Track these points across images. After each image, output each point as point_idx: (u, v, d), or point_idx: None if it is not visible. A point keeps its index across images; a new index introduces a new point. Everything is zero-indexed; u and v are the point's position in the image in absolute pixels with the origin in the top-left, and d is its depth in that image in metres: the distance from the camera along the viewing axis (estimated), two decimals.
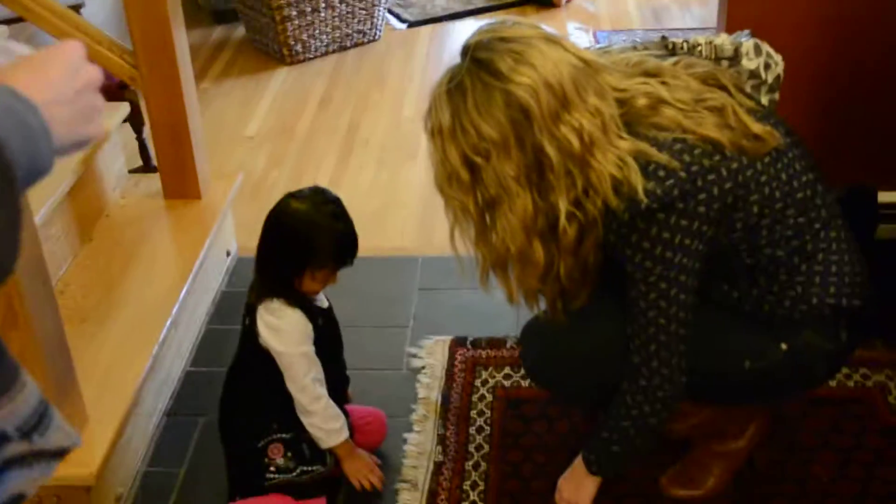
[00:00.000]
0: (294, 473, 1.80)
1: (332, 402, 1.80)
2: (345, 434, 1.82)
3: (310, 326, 1.77)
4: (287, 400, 1.78)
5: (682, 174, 1.45)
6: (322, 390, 1.79)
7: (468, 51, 1.46)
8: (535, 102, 1.41)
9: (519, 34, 1.44)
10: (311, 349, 1.77)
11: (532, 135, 1.42)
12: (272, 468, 1.79)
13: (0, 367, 0.81)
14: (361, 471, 1.85)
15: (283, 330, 1.75)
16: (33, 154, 0.74)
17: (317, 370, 1.78)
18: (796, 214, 1.55)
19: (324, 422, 1.79)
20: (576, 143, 1.42)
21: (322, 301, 1.85)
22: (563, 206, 1.46)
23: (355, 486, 1.85)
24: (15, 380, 0.82)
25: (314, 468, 1.81)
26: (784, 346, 1.62)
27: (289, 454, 1.79)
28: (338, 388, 1.89)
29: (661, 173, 1.44)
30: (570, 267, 1.54)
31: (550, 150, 1.42)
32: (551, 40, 1.45)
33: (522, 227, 1.48)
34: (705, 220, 1.48)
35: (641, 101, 1.49)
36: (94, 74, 0.83)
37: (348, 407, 1.97)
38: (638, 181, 1.44)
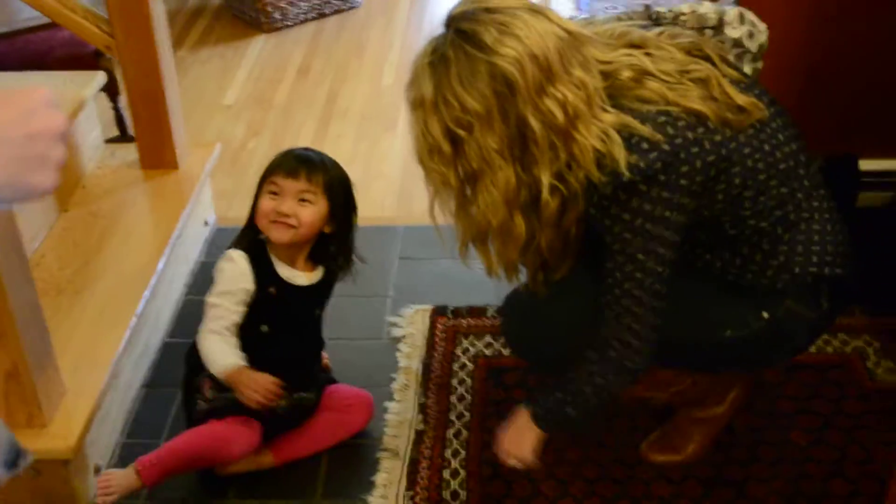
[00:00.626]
0: (214, 400, 1.83)
1: (215, 348, 1.78)
2: (221, 365, 1.76)
3: (244, 283, 1.79)
4: None
5: (666, 147, 1.44)
6: (210, 339, 1.79)
7: (451, 21, 1.44)
8: (520, 75, 1.39)
9: (503, 4, 1.42)
10: (225, 303, 1.79)
11: (516, 108, 1.41)
12: (200, 400, 1.84)
13: None
14: (247, 394, 1.75)
15: (217, 275, 1.82)
16: None
17: (221, 324, 1.79)
18: (779, 185, 1.55)
19: (208, 362, 1.79)
20: (560, 116, 1.41)
21: (295, 277, 1.83)
22: (545, 179, 1.45)
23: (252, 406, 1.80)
24: None
25: (230, 393, 1.80)
26: (766, 315, 1.62)
27: (213, 385, 1.83)
28: (296, 367, 1.88)
29: (645, 146, 1.43)
30: (551, 240, 1.53)
31: (534, 123, 1.41)
32: (536, 11, 1.43)
33: (504, 200, 1.46)
34: (687, 193, 1.47)
35: (626, 74, 1.48)
36: (54, 123, 0.77)
37: (335, 387, 1.97)
38: (621, 155, 1.42)
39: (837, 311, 1.71)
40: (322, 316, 1.94)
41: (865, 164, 2.45)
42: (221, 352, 1.78)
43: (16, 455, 0.90)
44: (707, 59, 1.54)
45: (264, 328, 1.83)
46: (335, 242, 1.86)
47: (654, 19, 1.67)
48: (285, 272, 1.83)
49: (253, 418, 1.82)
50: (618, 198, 1.46)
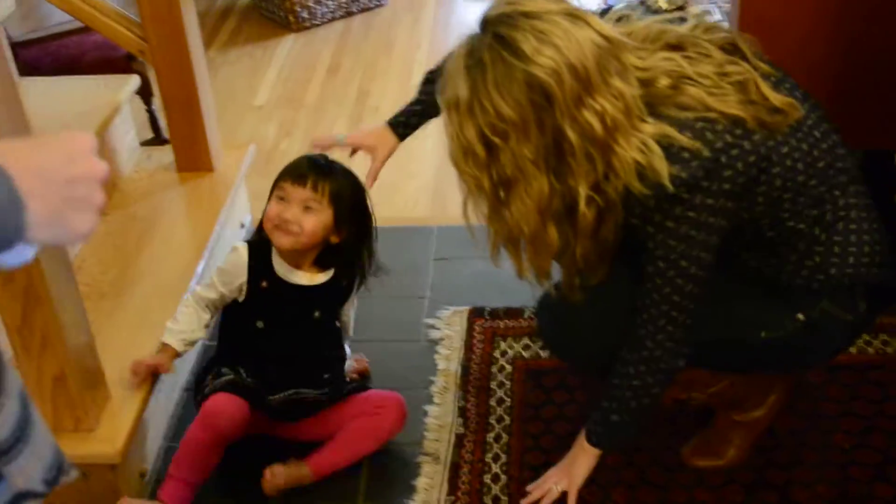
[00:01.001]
0: (210, 387, 1.85)
1: (178, 317, 1.90)
2: (164, 336, 1.89)
3: (237, 272, 1.86)
4: (225, 337, 1.94)
5: (707, 153, 1.43)
6: (186, 307, 1.90)
7: (488, 24, 1.42)
8: (558, 85, 1.37)
9: (542, 8, 1.40)
10: (215, 278, 1.89)
11: (553, 118, 1.39)
12: (199, 396, 1.89)
13: None
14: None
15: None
16: None
17: (202, 294, 1.90)
18: (818, 184, 1.54)
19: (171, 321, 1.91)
20: (598, 127, 1.40)
21: (293, 275, 1.86)
22: (582, 190, 1.44)
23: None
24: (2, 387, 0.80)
25: (222, 378, 1.86)
26: (801, 317, 1.62)
27: (214, 377, 1.88)
28: (293, 365, 1.89)
29: (686, 155, 1.43)
30: (587, 249, 1.52)
31: (572, 134, 1.40)
32: (575, 16, 1.41)
33: (537, 209, 1.46)
34: (730, 196, 1.46)
35: (663, 82, 1.46)
36: (96, 168, 0.78)
37: (367, 393, 1.96)
38: (662, 167, 1.42)
39: (876, 312, 1.69)
40: (326, 320, 1.92)
41: None
42: (174, 322, 1.89)
43: (57, 472, 0.91)
44: (741, 54, 1.53)
45: (259, 324, 1.87)
46: (345, 250, 1.88)
47: (652, 10, 1.67)
48: (283, 270, 1.86)
49: (238, 395, 1.83)
50: (661, 207, 1.46)
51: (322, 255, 1.87)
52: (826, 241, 1.57)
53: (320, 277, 1.88)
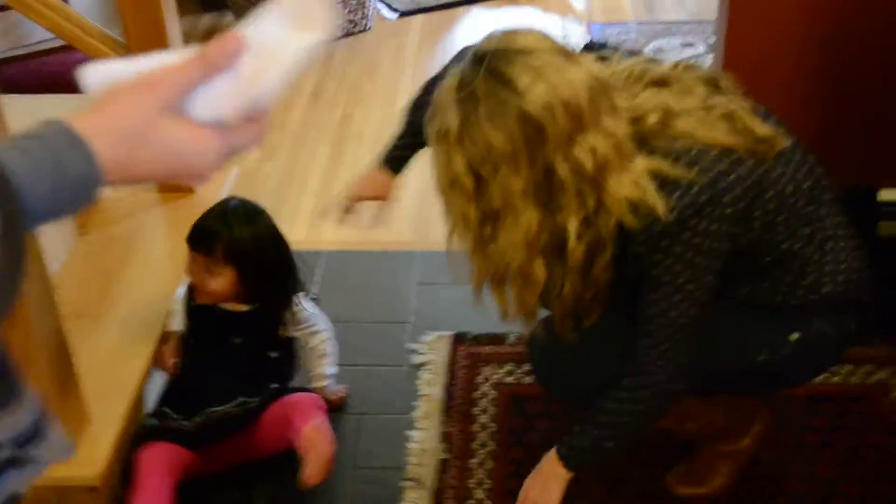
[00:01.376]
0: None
1: (175, 311, 2.01)
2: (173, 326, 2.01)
3: (182, 290, 2.00)
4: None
5: (704, 179, 1.44)
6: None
7: (482, 59, 1.41)
8: (551, 122, 1.37)
9: (536, 46, 1.40)
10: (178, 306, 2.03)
11: (544, 153, 1.39)
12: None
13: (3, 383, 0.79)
14: None
15: None
16: (59, 200, 0.70)
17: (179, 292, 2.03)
18: (805, 204, 1.56)
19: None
20: (589, 164, 1.40)
21: (228, 304, 1.92)
22: (571, 226, 1.43)
23: None
24: (15, 396, 0.80)
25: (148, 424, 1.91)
26: (796, 336, 1.62)
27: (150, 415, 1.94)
28: (211, 385, 1.89)
29: (684, 182, 1.43)
30: (576, 287, 1.51)
31: (562, 170, 1.40)
32: (568, 55, 1.42)
33: (525, 243, 1.44)
34: (732, 221, 1.47)
35: (652, 119, 1.47)
36: (199, 179, 0.78)
37: (280, 400, 1.90)
38: (656, 200, 1.42)
39: (863, 327, 1.70)
40: (250, 347, 1.93)
41: (886, 194, 2.45)
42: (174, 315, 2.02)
43: (33, 434, 0.90)
44: (721, 89, 1.55)
45: (192, 340, 1.94)
46: (264, 291, 1.92)
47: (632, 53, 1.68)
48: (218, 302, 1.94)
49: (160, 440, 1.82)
50: (669, 232, 1.46)
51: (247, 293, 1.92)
52: (819, 261, 1.59)
53: (243, 307, 1.92)
